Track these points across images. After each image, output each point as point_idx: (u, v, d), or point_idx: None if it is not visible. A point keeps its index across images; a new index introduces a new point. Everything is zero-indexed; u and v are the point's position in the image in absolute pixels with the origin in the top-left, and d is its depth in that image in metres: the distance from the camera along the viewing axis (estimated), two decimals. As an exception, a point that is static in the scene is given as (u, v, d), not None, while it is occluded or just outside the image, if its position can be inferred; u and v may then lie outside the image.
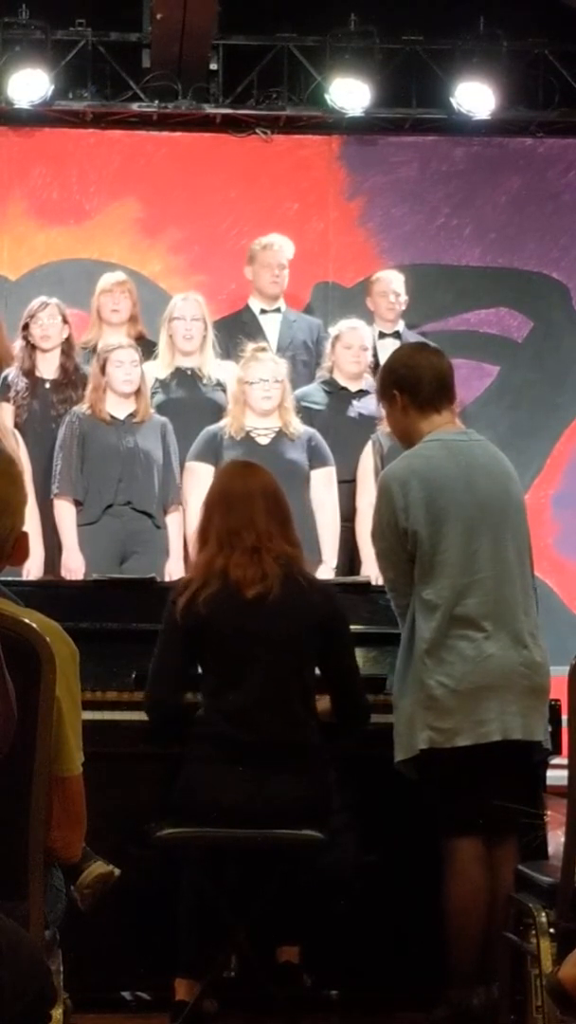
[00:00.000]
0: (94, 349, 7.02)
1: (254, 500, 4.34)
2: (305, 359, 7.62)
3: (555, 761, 4.63)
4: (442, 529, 4.27)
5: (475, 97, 8.41)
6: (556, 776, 4.58)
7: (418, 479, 4.30)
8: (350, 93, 8.35)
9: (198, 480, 6.56)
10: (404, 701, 4.28)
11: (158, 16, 7.96)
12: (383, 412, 6.40)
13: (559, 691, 3.96)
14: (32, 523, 6.19)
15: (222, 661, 4.28)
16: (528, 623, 4.34)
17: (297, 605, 4.28)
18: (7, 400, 6.94)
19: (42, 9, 8.21)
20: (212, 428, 6.72)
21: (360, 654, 4.58)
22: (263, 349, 6.85)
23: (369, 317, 7.67)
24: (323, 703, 4.45)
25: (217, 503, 4.38)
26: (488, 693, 4.23)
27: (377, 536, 4.40)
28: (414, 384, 4.41)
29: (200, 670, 4.38)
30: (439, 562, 4.27)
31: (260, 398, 6.59)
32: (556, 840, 4.33)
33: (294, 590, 4.29)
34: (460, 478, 4.32)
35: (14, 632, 2.90)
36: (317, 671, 4.39)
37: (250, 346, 6.81)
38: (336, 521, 6.82)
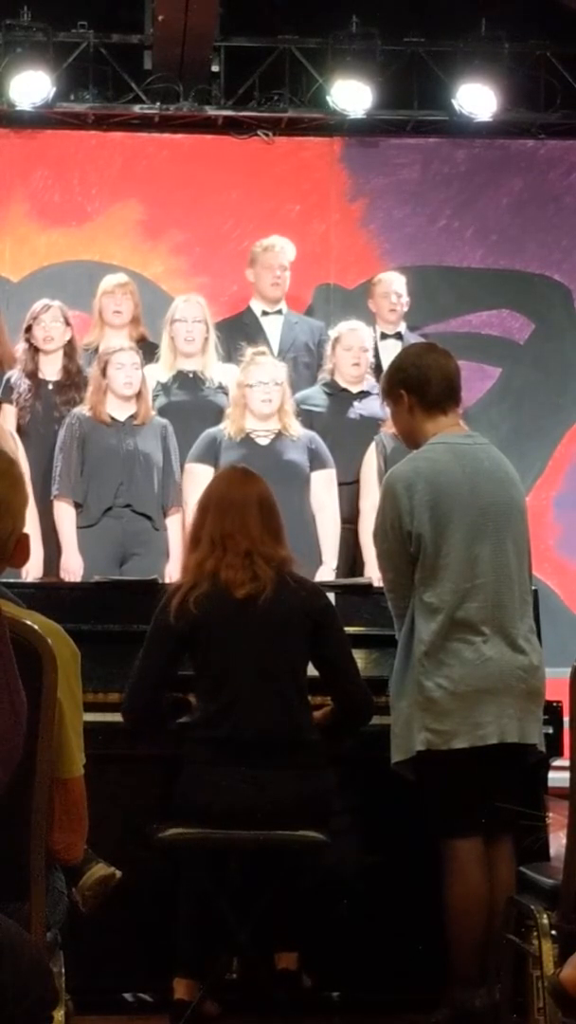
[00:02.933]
0: (96, 350, 7.02)
1: (249, 507, 4.37)
2: (307, 361, 7.62)
3: (557, 763, 4.64)
4: (446, 532, 4.27)
5: (477, 99, 8.42)
6: (558, 778, 4.58)
7: (424, 482, 4.30)
8: (352, 95, 8.35)
9: (197, 482, 6.54)
10: (402, 703, 4.29)
11: (160, 18, 7.96)
12: (387, 413, 6.44)
13: (560, 693, 3.96)
14: (32, 524, 6.20)
15: (214, 661, 4.29)
16: (524, 627, 4.34)
17: (287, 603, 4.30)
18: (9, 402, 6.94)
19: (44, 11, 8.21)
20: (212, 430, 6.72)
21: (361, 656, 4.59)
22: (263, 352, 6.85)
23: (371, 319, 7.67)
24: (320, 710, 4.45)
25: (212, 506, 4.40)
26: (486, 696, 4.24)
27: (379, 537, 4.40)
28: (422, 384, 4.40)
29: (193, 671, 4.37)
30: (442, 566, 4.27)
31: (260, 401, 6.59)
32: (558, 842, 4.34)
33: (284, 590, 4.31)
34: (465, 482, 4.32)
35: (16, 634, 2.89)
36: (315, 672, 4.41)
37: (249, 350, 6.81)
38: (336, 523, 6.83)
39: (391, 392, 4.48)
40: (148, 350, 7.15)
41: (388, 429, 6.70)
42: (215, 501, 4.41)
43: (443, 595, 4.26)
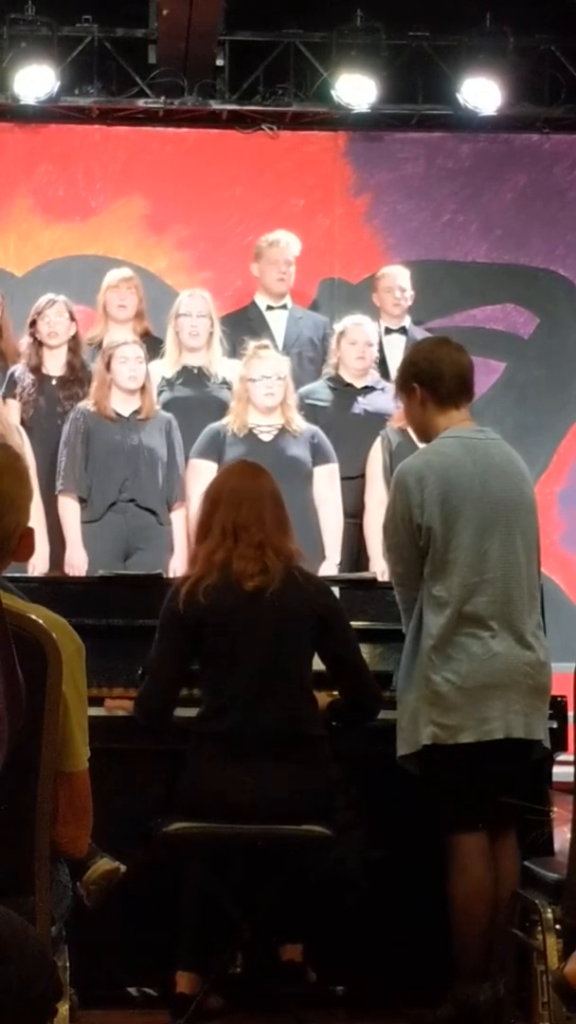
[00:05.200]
0: (100, 345, 7.02)
1: (264, 499, 4.39)
2: (311, 356, 7.61)
3: (561, 757, 4.64)
4: (455, 526, 4.28)
5: (481, 93, 8.41)
6: (562, 772, 4.58)
7: (435, 475, 4.30)
8: (356, 89, 8.34)
9: (201, 477, 6.55)
10: (408, 696, 4.29)
11: (164, 12, 7.96)
12: (395, 408, 6.45)
13: (565, 688, 3.96)
14: (37, 519, 6.20)
15: (219, 653, 4.30)
16: (532, 623, 4.34)
17: (294, 598, 4.30)
18: (13, 397, 6.93)
19: (48, 5, 8.21)
20: (215, 425, 6.72)
21: (366, 650, 4.59)
22: (265, 346, 6.84)
23: (375, 313, 7.66)
24: (324, 700, 4.46)
25: (225, 498, 4.40)
26: (493, 691, 4.24)
27: (390, 530, 4.40)
28: (434, 378, 4.41)
29: (198, 664, 4.38)
30: (451, 559, 4.27)
31: (263, 395, 6.59)
32: (562, 836, 4.34)
33: (292, 584, 4.32)
34: (476, 476, 4.32)
35: (21, 628, 2.90)
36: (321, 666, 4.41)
37: (252, 344, 6.80)
38: (339, 518, 6.82)
39: (404, 386, 4.49)
40: (152, 345, 7.14)
41: (394, 424, 6.70)
42: (227, 493, 4.41)
43: (452, 589, 4.26)
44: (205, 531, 4.41)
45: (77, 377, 6.99)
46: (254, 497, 4.38)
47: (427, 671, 4.24)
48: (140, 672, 4.58)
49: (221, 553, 4.33)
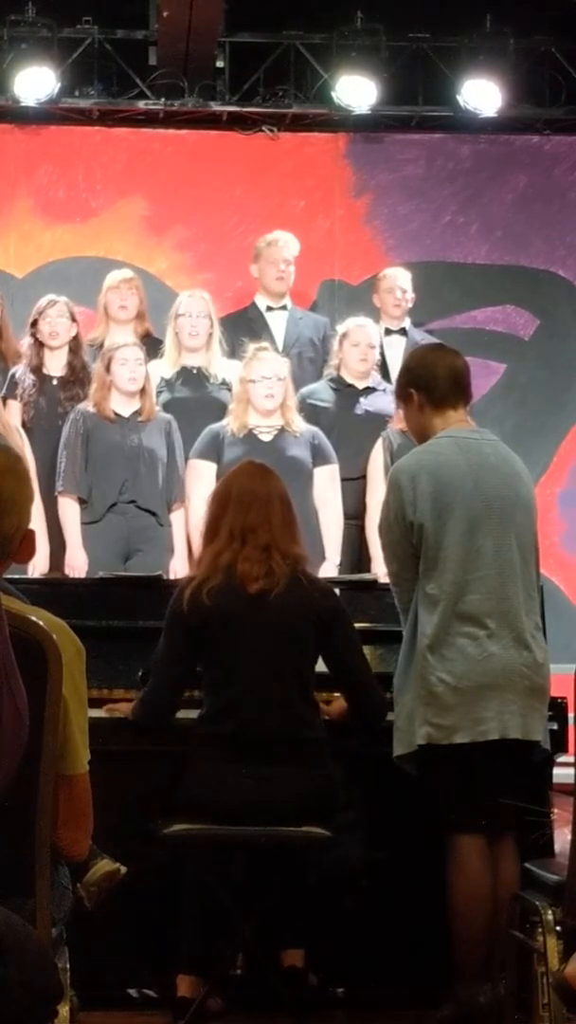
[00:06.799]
0: (100, 346, 7.02)
1: (272, 501, 4.40)
2: (311, 356, 7.62)
3: (561, 759, 4.64)
4: (447, 524, 4.29)
5: (482, 94, 8.41)
6: (562, 774, 4.59)
7: (427, 473, 4.32)
8: (356, 90, 8.35)
9: (200, 478, 6.57)
10: (405, 696, 4.30)
11: (164, 13, 7.97)
12: (395, 409, 6.44)
13: (565, 689, 3.96)
14: (37, 521, 6.19)
15: (222, 656, 4.30)
16: (530, 623, 4.35)
17: (297, 602, 4.31)
18: (14, 397, 6.94)
19: (48, 7, 8.22)
20: (214, 426, 6.72)
21: (367, 652, 4.59)
22: (265, 348, 6.85)
23: (375, 314, 7.66)
24: (339, 703, 4.46)
25: (234, 500, 4.40)
26: (489, 692, 4.24)
27: (384, 529, 4.43)
28: (429, 382, 4.44)
29: (200, 666, 4.38)
30: (442, 557, 4.29)
31: (263, 396, 6.59)
32: (563, 838, 4.34)
33: (296, 588, 4.32)
34: (468, 475, 4.34)
35: (21, 630, 2.90)
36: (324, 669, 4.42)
37: (252, 345, 6.81)
38: (339, 519, 6.83)
39: (402, 392, 4.55)
40: (153, 346, 7.14)
41: (395, 425, 6.70)
42: (236, 494, 4.41)
43: (444, 586, 4.27)
44: (213, 532, 4.41)
45: (78, 378, 6.99)
46: (263, 499, 4.38)
47: (423, 671, 4.25)
48: (141, 674, 4.58)
49: (227, 555, 4.33)
